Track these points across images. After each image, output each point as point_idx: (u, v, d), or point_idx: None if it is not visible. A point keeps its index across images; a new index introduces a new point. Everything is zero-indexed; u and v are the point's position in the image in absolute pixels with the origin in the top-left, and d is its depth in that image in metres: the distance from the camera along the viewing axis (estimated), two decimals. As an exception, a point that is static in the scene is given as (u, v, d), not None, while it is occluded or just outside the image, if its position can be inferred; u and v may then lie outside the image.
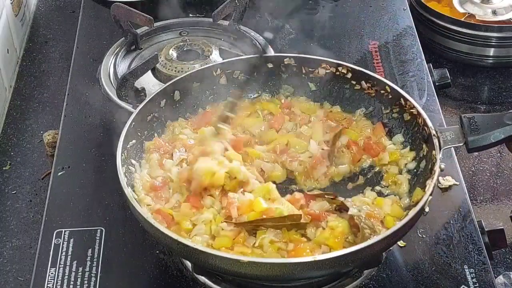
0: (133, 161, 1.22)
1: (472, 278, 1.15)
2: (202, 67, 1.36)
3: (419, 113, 1.22)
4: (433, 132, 1.17)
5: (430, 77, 1.53)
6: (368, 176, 1.24)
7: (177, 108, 1.32)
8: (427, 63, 1.57)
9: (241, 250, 1.09)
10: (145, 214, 1.08)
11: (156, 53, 1.52)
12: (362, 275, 1.16)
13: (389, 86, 1.28)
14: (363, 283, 1.16)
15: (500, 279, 1.28)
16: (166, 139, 1.28)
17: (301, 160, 1.24)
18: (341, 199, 1.17)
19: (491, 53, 1.79)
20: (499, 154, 1.59)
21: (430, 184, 1.10)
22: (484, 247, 1.20)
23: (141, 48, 1.64)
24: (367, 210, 1.14)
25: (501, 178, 1.55)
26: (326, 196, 1.17)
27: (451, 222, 1.24)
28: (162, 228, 1.05)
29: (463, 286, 1.14)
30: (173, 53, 1.56)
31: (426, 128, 1.19)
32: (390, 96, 1.28)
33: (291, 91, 1.36)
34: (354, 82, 1.31)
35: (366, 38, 1.66)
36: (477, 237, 1.21)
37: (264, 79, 1.36)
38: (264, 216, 1.12)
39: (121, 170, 1.14)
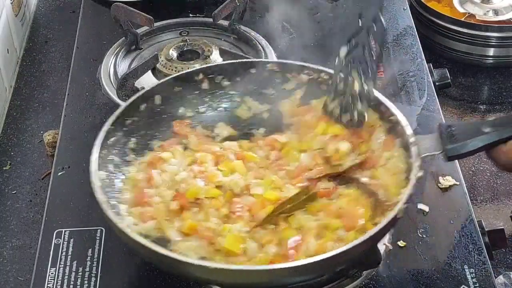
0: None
1: (472, 278, 1.15)
2: (183, 72, 1.35)
3: (398, 121, 1.20)
4: (412, 139, 1.17)
5: (430, 77, 1.53)
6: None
7: (158, 112, 1.31)
8: (427, 63, 1.57)
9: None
10: (115, 219, 1.08)
11: (156, 53, 1.52)
12: (362, 275, 1.16)
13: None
14: (363, 283, 1.16)
15: (500, 279, 1.28)
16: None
17: (288, 170, 1.23)
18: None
19: (491, 53, 1.79)
20: (499, 154, 1.59)
21: (404, 193, 1.09)
22: (484, 247, 1.20)
23: (141, 48, 1.64)
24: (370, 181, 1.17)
25: (501, 178, 1.55)
26: (331, 175, 1.19)
27: (451, 222, 1.24)
28: (133, 234, 1.06)
29: (463, 286, 1.14)
30: (173, 53, 1.56)
31: (404, 136, 1.18)
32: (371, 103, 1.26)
33: (275, 95, 1.36)
34: None
35: (366, 38, 1.65)
36: (477, 237, 1.21)
37: (247, 83, 1.36)
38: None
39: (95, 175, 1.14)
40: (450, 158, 1.17)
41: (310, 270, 1.03)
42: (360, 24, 1.23)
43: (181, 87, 1.33)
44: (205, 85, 1.34)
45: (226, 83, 1.35)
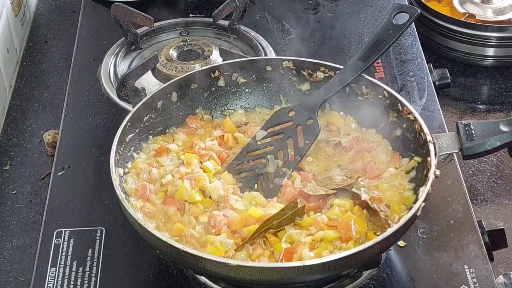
0: (129, 165, 1.24)
1: (472, 278, 1.15)
2: (200, 69, 1.36)
3: (416, 119, 1.21)
4: (429, 138, 1.17)
5: (430, 77, 1.53)
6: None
7: (174, 110, 1.32)
8: (427, 63, 1.57)
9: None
10: (135, 215, 1.08)
11: (156, 53, 1.52)
12: (362, 275, 1.16)
13: (386, 91, 1.27)
14: (363, 283, 1.16)
15: (500, 279, 1.28)
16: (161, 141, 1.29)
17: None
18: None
19: (491, 53, 1.79)
20: (499, 154, 1.59)
21: (423, 191, 1.10)
22: (484, 247, 1.20)
23: (141, 48, 1.64)
24: (370, 195, 1.15)
25: (501, 178, 1.55)
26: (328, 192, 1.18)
27: (451, 222, 1.24)
28: (153, 231, 1.06)
29: (463, 286, 1.14)
30: (173, 53, 1.56)
31: (422, 134, 1.19)
32: (388, 101, 1.27)
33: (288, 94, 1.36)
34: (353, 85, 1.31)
35: (366, 38, 1.65)
36: (477, 237, 1.21)
37: (262, 81, 1.36)
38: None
39: (114, 171, 1.14)
40: (467, 157, 1.17)
41: (325, 269, 1.02)
42: (290, 116, 1.28)
43: (197, 84, 1.33)
44: (221, 82, 1.35)
45: (242, 80, 1.36)
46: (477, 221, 1.24)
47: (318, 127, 1.25)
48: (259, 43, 1.62)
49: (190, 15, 1.73)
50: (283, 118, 1.29)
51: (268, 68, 1.35)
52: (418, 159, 1.20)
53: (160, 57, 1.53)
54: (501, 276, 1.28)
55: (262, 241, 1.11)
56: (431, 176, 1.11)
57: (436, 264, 1.18)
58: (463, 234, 1.22)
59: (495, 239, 1.24)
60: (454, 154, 1.33)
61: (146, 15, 1.59)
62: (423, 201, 1.08)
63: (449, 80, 1.56)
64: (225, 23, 1.66)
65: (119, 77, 1.49)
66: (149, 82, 1.52)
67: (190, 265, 1.06)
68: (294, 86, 1.35)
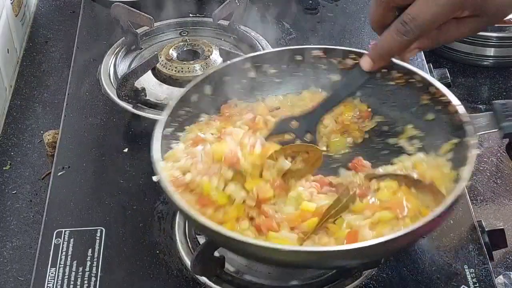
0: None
1: (472, 278, 1.15)
2: (232, 61, 1.34)
3: (450, 101, 1.18)
4: (466, 119, 1.15)
5: (430, 77, 1.53)
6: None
7: (208, 102, 1.31)
8: (427, 63, 1.57)
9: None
10: (193, 213, 1.05)
11: (156, 53, 1.52)
12: (362, 275, 1.16)
13: (418, 74, 1.23)
14: (363, 283, 1.16)
15: (500, 279, 1.28)
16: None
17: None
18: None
19: (491, 53, 1.79)
20: (499, 154, 1.59)
21: (465, 170, 1.08)
22: (484, 247, 1.20)
23: (141, 48, 1.64)
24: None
25: (501, 178, 1.55)
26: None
27: (451, 222, 1.24)
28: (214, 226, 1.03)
29: (463, 286, 1.14)
30: (173, 53, 1.56)
31: (457, 116, 1.16)
32: (420, 85, 1.24)
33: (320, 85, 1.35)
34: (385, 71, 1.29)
35: (366, 38, 1.66)
36: (477, 237, 1.21)
37: (292, 71, 1.35)
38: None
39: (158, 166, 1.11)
40: (507, 136, 1.15)
41: (366, 254, 1.01)
42: (293, 127, 1.24)
43: (229, 76, 1.33)
44: (252, 74, 1.34)
45: (272, 71, 1.35)
46: (477, 221, 1.24)
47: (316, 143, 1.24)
48: (259, 43, 1.62)
49: (190, 15, 1.73)
50: (285, 128, 1.26)
51: (298, 57, 1.34)
52: (455, 140, 1.19)
53: (160, 57, 1.53)
54: (501, 276, 1.28)
55: (324, 232, 1.10)
56: (470, 156, 1.09)
57: (436, 264, 1.18)
58: (463, 234, 1.22)
59: (495, 239, 1.24)
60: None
61: (146, 15, 1.59)
62: (469, 180, 1.07)
63: (449, 80, 1.56)
64: (225, 23, 1.66)
65: (119, 77, 1.49)
66: (149, 82, 1.52)
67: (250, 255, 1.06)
68: (324, 74, 1.34)
